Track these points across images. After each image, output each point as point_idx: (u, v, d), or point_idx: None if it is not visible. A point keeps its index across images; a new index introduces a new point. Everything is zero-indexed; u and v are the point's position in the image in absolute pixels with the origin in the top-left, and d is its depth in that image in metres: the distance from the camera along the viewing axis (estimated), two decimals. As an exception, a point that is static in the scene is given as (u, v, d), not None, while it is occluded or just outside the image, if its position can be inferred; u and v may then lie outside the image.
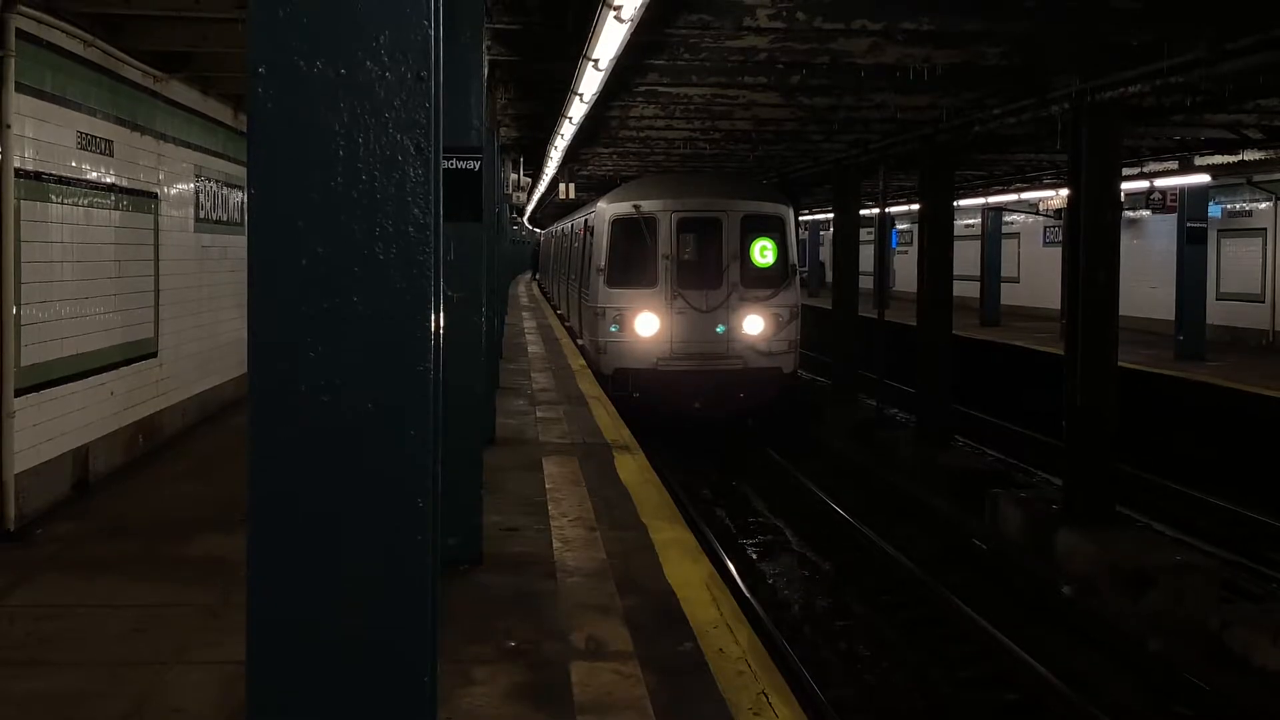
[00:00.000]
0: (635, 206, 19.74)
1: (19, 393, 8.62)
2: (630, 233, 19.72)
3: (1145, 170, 21.60)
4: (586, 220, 22.57)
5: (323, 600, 2.68)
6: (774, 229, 20.01)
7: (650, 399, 18.85)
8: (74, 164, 9.63)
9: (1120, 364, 13.09)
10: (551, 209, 42.68)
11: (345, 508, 2.67)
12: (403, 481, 2.69)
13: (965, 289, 27.69)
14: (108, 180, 10.37)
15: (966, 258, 28.69)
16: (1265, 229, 24.23)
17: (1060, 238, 28.41)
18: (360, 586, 2.69)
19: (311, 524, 2.67)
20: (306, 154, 2.62)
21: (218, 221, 14.04)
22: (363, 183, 2.64)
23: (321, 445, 2.66)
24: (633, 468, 11.49)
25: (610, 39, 8.54)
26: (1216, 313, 23.81)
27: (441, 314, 2.77)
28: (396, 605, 2.70)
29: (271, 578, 2.69)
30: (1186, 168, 20.66)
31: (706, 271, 19.73)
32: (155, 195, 11.69)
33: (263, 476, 2.67)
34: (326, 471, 2.67)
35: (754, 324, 19.53)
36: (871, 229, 30.87)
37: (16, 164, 8.55)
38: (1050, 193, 25.47)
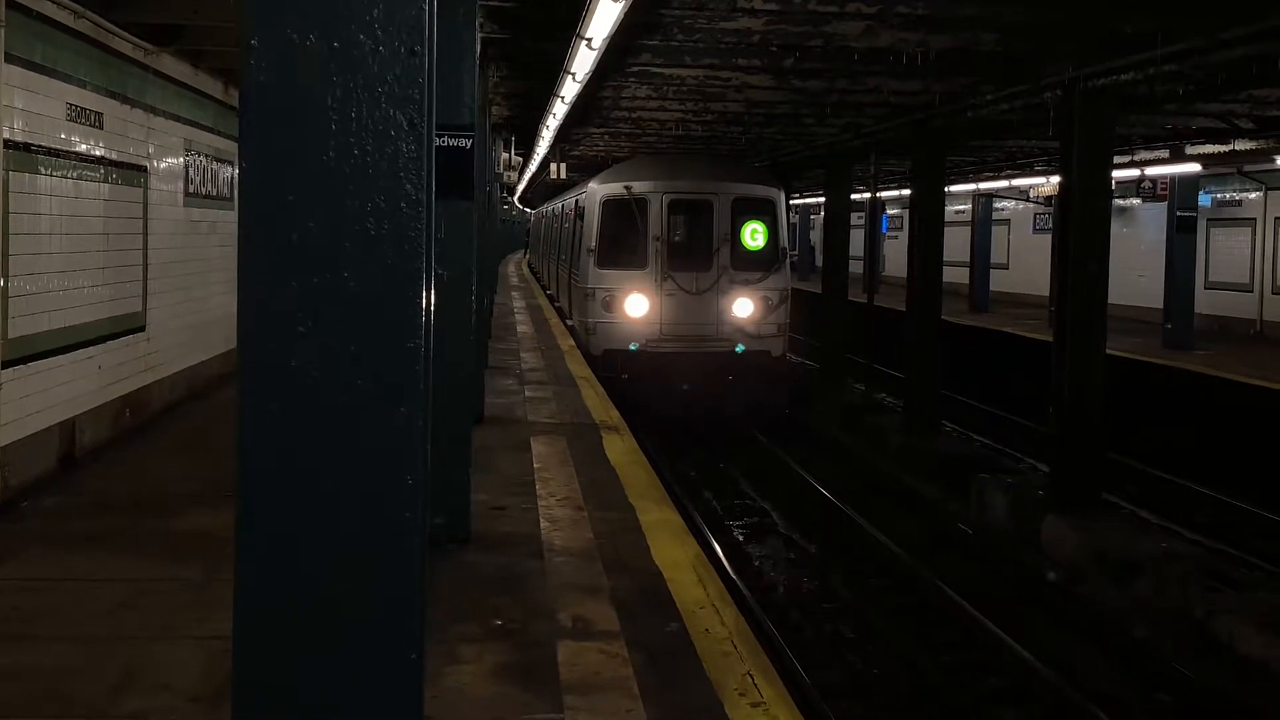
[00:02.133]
0: (626, 187, 19.69)
1: (5, 365, 8.58)
2: (621, 214, 19.68)
3: (1136, 158, 21.59)
4: (577, 201, 22.52)
5: (310, 577, 2.67)
6: (765, 212, 19.97)
7: (639, 380, 18.83)
8: (63, 136, 9.58)
9: (1108, 352, 13.11)
10: (542, 189, 42.59)
11: (334, 484, 2.66)
12: (392, 458, 2.68)
13: (955, 275, 27.74)
14: (97, 153, 10.32)
15: (957, 244, 28.71)
16: (1255, 219, 24.29)
17: (1050, 225, 28.50)
18: (348, 563, 2.68)
19: (300, 500, 2.66)
20: (298, 128, 2.61)
21: (207, 196, 13.98)
22: (355, 157, 2.62)
23: (311, 421, 2.65)
24: (621, 448, 11.49)
25: (604, 18, 8.51)
26: (1205, 302, 23.88)
27: (432, 291, 2.76)
28: (385, 583, 2.69)
29: (259, 553, 2.68)
30: (1177, 156, 20.66)
31: (697, 253, 19.68)
32: (145, 169, 11.64)
33: (252, 452, 2.66)
34: (315, 448, 2.66)
35: (744, 307, 19.51)
36: (862, 213, 30.94)
37: (6, 135, 8.49)
38: (1041, 180, 25.48)
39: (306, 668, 2.69)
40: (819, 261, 32.81)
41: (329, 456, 2.66)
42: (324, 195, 2.62)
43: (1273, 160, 19.46)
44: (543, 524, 8.48)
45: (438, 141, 7.57)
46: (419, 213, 2.66)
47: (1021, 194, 30.05)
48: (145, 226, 11.67)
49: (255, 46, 2.59)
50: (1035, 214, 32.10)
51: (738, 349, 19.31)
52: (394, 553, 2.70)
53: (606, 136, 22.07)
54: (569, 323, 23.10)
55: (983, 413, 21.17)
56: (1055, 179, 20.88)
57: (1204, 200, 24.08)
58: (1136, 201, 26.40)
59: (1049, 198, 27.01)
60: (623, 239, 19.67)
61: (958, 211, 32.27)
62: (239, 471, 2.66)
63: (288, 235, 2.62)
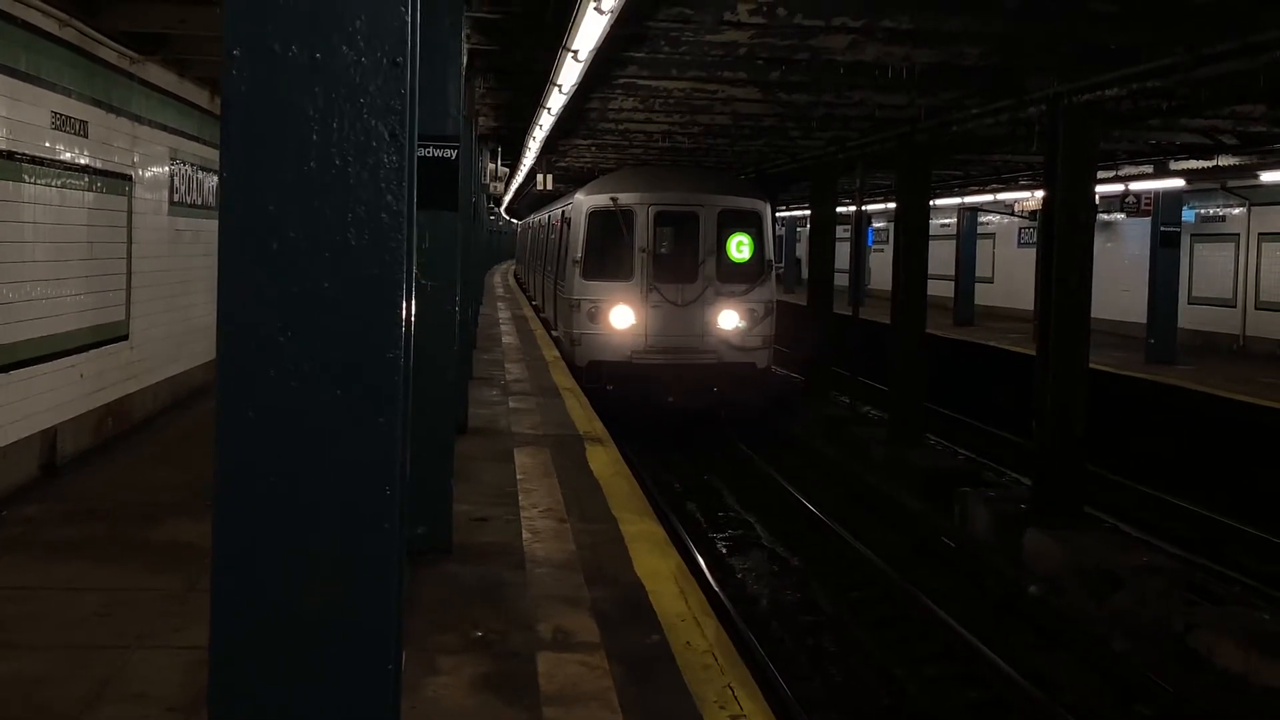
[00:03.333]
0: (613, 199, 19.71)
1: (-13, 373, 8.57)
2: (607, 225, 19.70)
3: (1120, 173, 21.69)
4: (564, 212, 22.54)
5: (287, 586, 2.67)
6: (751, 224, 20.01)
7: (624, 392, 18.84)
8: (48, 144, 9.56)
9: (1090, 366, 13.16)
10: (529, 200, 42.60)
11: (312, 494, 2.67)
12: (370, 468, 2.68)
13: (940, 288, 27.80)
14: (82, 161, 10.30)
15: (941, 257, 28.79)
16: (1238, 234, 24.40)
17: (1035, 239, 28.59)
18: (325, 573, 2.68)
19: (277, 509, 2.67)
20: (280, 138, 2.62)
21: (192, 205, 13.96)
22: (336, 168, 2.63)
23: (289, 430, 2.65)
24: (604, 460, 11.49)
25: (590, 30, 8.52)
26: (1188, 317, 23.98)
27: (413, 301, 2.76)
28: (362, 593, 2.70)
29: (236, 562, 2.68)
30: (1161, 172, 20.76)
31: (683, 265, 19.72)
32: (129, 178, 11.62)
33: (229, 460, 2.66)
34: (294, 457, 2.66)
35: (729, 319, 19.54)
36: (848, 226, 31.00)
37: (-11, 142, 8.49)
38: (1026, 194, 25.58)
39: (282, 678, 2.69)
40: (805, 274, 32.89)
41: (307, 465, 2.66)
42: (304, 205, 2.63)
43: (1256, 176, 19.56)
44: (525, 535, 8.48)
45: (422, 152, 7.57)
46: (399, 223, 2.67)
47: (1006, 208, 30.15)
48: (129, 235, 11.65)
49: (237, 56, 2.60)
50: (1020, 228, 32.20)
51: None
52: (371, 562, 2.70)
53: (593, 148, 22.10)
54: (554, 334, 23.10)
55: (966, 426, 21.20)
56: (1040, 193, 20.94)
57: (1188, 215, 24.20)
58: (1121, 216, 26.50)
59: (1034, 212, 27.09)
60: (609, 250, 19.69)
61: (943, 225, 32.36)
62: (216, 479, 2.66)
63: (268, 244, 2.63)
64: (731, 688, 5.74)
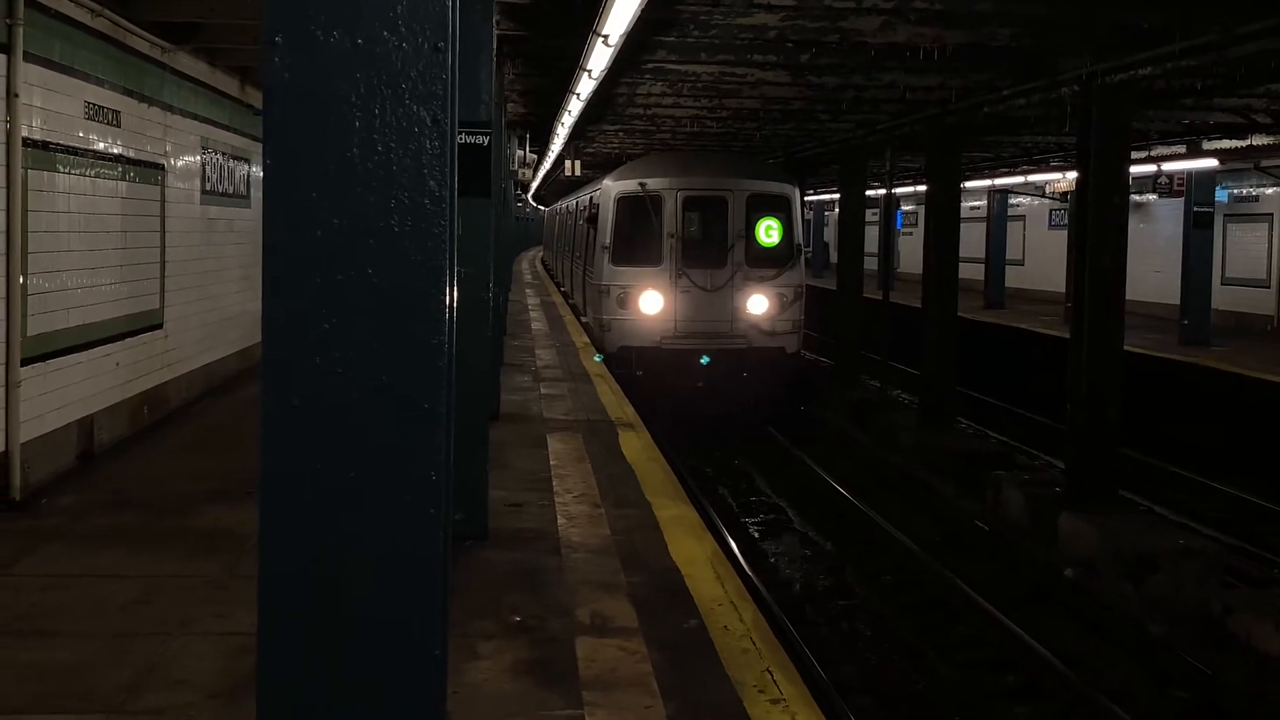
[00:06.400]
0: (641, 184, 19.68)
1: (25, 362, 8.62)
2: (636, 211, 19.68)
3: (1153, 154, 21.51)
4: (592, 198, 22.53)
5: (334, 573, 2.67)
6: (779, 208, 19.95)
7: (654, 377, 18.84)
8: (81, 134, 9.61)
9: (1124, 348, 13.06)
10: (557, 186, 42.58)
11: (357, 481, 2.66)
12: (415, 455, 2.68)
13: (970, 271, 27.67)
14: (115, 151, 10.36)
15: (972, 240, 28.62)
16: (1272, 214, 24.18)
17: (1065, 221, 28.42)
18: (372, 560, 2.68)
19: (323, 497, 2.66)
20: (322, 125, 2.61)
21: (224, 194, 14.02)
22: (379, 154, 2.62)
23: (334, 418, 2.65)
24: (637, 445, 11.50)
25: (621, 14, 8.50)
26: (1222, 298, 23.79)
27: (455, 288, 2.76)
28: (408, 579, 2.70)
29: (283, 550, 2.68)
30: (1194, 152, 20.57)
31: (711, 250, 19.68)
32: (162, 167, 11.68)
33: (275, 448, 2.66)
34: (339, 444, 2.66)
35: (758, 303, 19.50)
36: (877, 210, 30.90)
37: (24, 133, 8.53)
38: (1057, 175, 25.39)
39: (330, 663, 2.69)
40: (834, 258, 32.78)
41: (352, 453, 2.66)
42: (348, 192, 2.62)
43: (1290, 155, 19.37)
44: (560, 520, 8.49)
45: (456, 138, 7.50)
46: (442, 209, 2.66)
47: (1037, 190, 29.96)
48: (163, 224, 11.71)
49: (279, 44, 2.59)
50: (1050, 210, 32.00)
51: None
52: (417, 549, 2.70)
53: (621, 133, 22.06)
54: (584, 320, 23.11)
55: (999, 409, 21.11)
56: (1071, 175, 20.79)
57: (1221, 196, 23.98)
58: (1153, 197, 26.30)
59: (1065, 193, 26.91)
60: (637, 236, 19.67)
61: (973, 208, 32.18)
62: (262, 467, 2.66)
63: (312, 232, 2.62)
64: (770, 671, 5.74)
